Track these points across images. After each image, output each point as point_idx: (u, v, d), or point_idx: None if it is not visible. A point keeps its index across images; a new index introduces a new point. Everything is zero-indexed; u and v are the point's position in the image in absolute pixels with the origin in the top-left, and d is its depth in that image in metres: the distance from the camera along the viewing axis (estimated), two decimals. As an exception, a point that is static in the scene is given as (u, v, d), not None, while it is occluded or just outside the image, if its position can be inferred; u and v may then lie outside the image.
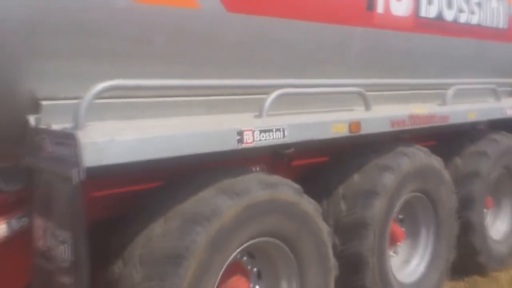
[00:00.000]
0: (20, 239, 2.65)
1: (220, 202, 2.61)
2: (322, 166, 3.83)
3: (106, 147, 2.23)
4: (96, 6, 2.45)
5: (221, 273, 2.70)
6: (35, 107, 2.45)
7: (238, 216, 2.68)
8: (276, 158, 3.37)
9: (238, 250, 2.81)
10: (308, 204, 3.09)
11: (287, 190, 2.98)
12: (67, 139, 2.21)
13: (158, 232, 2.53)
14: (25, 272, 2.68)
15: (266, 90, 3.10)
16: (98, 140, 2.21)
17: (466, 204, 4.43)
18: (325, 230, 3.18)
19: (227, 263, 2.74)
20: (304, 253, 3.09)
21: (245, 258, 3.08)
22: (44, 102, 2.44)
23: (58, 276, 2.34)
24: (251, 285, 3.08)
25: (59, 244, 2.32)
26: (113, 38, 2.54)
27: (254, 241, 2.88)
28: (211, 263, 2.60)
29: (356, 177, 3.59)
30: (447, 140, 4.70)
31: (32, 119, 2.45)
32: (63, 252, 2.30)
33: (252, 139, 2.80)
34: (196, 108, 2.92)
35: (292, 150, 3.23)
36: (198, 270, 2.51)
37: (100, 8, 2.46)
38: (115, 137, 2.27)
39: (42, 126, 2.42)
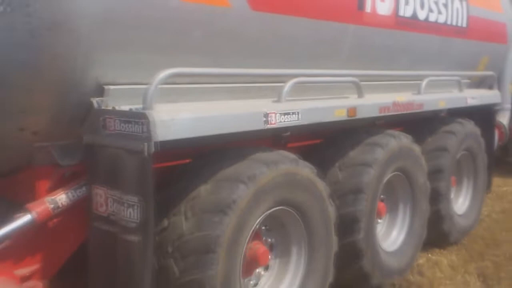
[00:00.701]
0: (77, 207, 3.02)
1: (258, 168, 3.07)
2: (313, 148, 4.32)
3: (171, 125, 2.64)
4: (152, 4, 2.84)
5: (250, 233, 3.16)
6: (99, 91, 2.82)
7: (269, 183, 3.14)
8: (275, 141, 3.83)
9: (263, 216, 3.26)
10: (318, 180, 3.58)
11: (304, 167, 3.46)
12: (138, 118, 2.61)
13: (208, 189, 2.96)
14: (79, 235, 3.07)
15: (280, 79, 3.57)
16: (164, 118, 2.62)
17: (435, 176, 5.02)
18: (324, 190, 3.65)
19: (254, 226, 3.19)
20: (310, 217, 3.57)
21: (263, 227, 3.53)
22: (107, 87, 2.81)
23: (124, 236, 2.73)
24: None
25: (126, 208, 2.71)
26: (164, 32, 2.94)
27: (273, 209, 3.34)
28: (247, 220, 3.05)
29: (351, 153, 4.11)
30: (412, 126, 5.23)
31: (95, 102, 2.82)
32: (131, 214, 2.69)
33: (275, 121, 3.27)
34: (224, 93, 3.35)
35: (288, 133, 3.70)
36: (237, 225, 2.95)
37: (155, 6, 2.85)
38: (176, 116, 2.68)
39: (107, 107, 2.80)
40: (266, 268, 3.61)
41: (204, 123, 2.84)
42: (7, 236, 2.78)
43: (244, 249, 3.12)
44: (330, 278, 3.76)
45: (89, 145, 2.89)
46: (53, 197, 2.94)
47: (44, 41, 2.54)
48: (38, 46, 2.54)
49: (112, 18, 2.71)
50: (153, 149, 2.57)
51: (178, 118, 2.70)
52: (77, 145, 2.99)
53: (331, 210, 3.67)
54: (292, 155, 3.45)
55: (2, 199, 3.31)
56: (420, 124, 5.33)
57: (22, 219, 2.83)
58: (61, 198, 2.97)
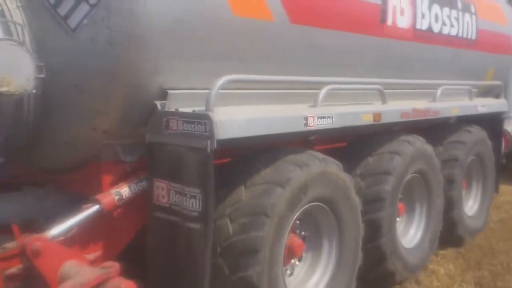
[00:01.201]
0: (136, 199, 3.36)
1: (293, 172, 3.41)
2: (335, 150, 4.65)
3: (228, 125, 2.99)
4: (208, 19, 3.20)
5: (289, 229, 3.49)
6: (162, 95, 3.17)
7: (303, 183, 3.48)
8: (303, 143, 4.17)
9: (299, 212, 3.59)
10: (345, 175, 3.93)
11: (333, 164, 3.81)
12: (201, 118, 2.96)
13: (249, 192, 3.30)
14: (137, 224, 3.41)
15: (313, 86, 3.93)
16: (223, 119, 2.97)
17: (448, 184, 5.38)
18: (356, 197, 4.02)
19: (292, 221, 3.53)
20: (342, 215, 3.92)
21: (297, 221, 3.87)
22: (170, 91, 3.17)
23: (186, 223, 3.06)
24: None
25: (188, 199, 3.05)
26: (218, 43, 3.30)
27: (309, 205, 3.68)
28: (286, 217, 3.39)
29: (370, 159, 4.46)
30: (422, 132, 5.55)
31: (159, 105, 3.17)
32: (193, 204, 3.03)
33: (313, 124, 3.62)
34: (266, 99, 3.70)
35: (314, 137, 4.04)
36: (278, 224, 3.29)
37: (211, 20, 3.21)
38: (233, 117, 3.04)
39: (170, 109, 3.15)
40: (300, 259, 3.94)
41: (255, 124, 3.20)
42: (78, 224, 3.12)
43: (284, 244, 3.45)
44: (359, 262, 4.09)
45: (151, 143, 3.23)
46: (118, 190, 3.28)
47: (121, 51, 2.89)
48: (115, 56, 2.90)
49: (176, 32, 3.06)
50: (215, 146, 2.92)
51: (234, 119, 3.05)
52: (137, 144, 3.33)
53: (357, 200, 3.99)
54: (321, 155, 3.78)
55: (62, 193, 3.68)
56: (433, 130, 5.68)
57: (92, 209, 3.17)
58: (125, 190, 3.31)
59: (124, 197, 3.29)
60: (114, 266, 2.87)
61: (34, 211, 3.58)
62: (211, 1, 3.19)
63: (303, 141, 4.09)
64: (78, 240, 3.18)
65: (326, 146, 4.46)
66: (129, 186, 3.33)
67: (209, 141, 2.92)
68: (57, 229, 3.04)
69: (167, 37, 3.03)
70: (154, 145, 3.23)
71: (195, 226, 3.03)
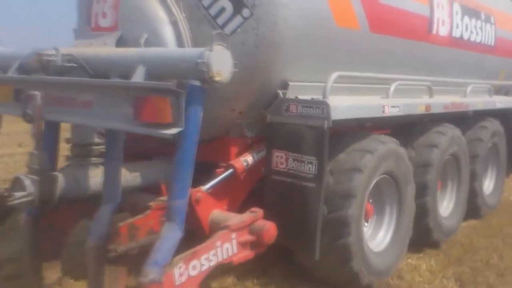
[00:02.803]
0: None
1: (365, 159, 4.41)
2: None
3: (337, 110, 3.99)
4: (320, 29, 4.21)
5: (370, 189, 4.52)
6: (283, 86, 4.18)
7: (382, 155, 4.51)
8: (360, 129, 5.18)
9: (375, 179, 4.62)
10: (401, 149, 4.94)
11: (394, 143, 4.83)
12: (319, 104, 3.96)
13: (347, 155, 4.32)
14: (251, 184, 4.39)
15: (382, 81, 4.95)
16: (334, 105, 3.97)
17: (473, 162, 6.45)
18: (409, 163, 5.02)
19: (372, 184, 4.55)
20: (402, 192, 4.94)
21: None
22: (291, 83, 4.17)
23: (303, 183, 4.06)
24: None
25: (306, 164, 4.04)
26: (326, 47, 4.32)
27: (379, 177, 4.69)
28: (371, 178, 4.42)
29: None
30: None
31: (281, 93, 4.18)
32: (310, 168, 4.03)
33: (388, 111, 4.65)
34: (348, 91, 4.70)
35: (369, 124, 5.05)
36: (366, 180, 4.33)
37: (322, 30, 4.22)
38: (339, 104, 4.05)
39: (290, 97, 4.15)
40: (366, 221, 4.95)
41: (352, 109, 4.23)
42: (218, 184, 4.11)
43: (366, 200, 4.47)
44: (410, 234, 5.11)
45: (272, 122, 4.22)
46: (245, 158, 4.29)
47: (263, 52, 3.89)
48: (258, 55, 3.89)
49: (300, 39, 4.08)
50: (330, 125, 3.93)
51: (340, 105, 4.06)
52: (256, 122, 4.32)
53: (410, 165, 4.99)
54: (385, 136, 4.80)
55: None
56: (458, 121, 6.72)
57: (228, 171, 4.17)
58: (249, 158, 4.32)
59: (249, 163, 4.30)
60: (259, 211, 3.88)
61: (162, 174, 4.54)
62: (322, 16, 4.21)
63: (358, 127, 5.11)
64: (217, 194, 4.16)
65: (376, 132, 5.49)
66: (252, 155, 4.34)
67: (326, 121, 3.93)
68: (207, 186, 4.03)
69: (294, 43, 4.04)
70: (274, 124, 4.22)
71: (311, 185, 4.03)
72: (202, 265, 3.43)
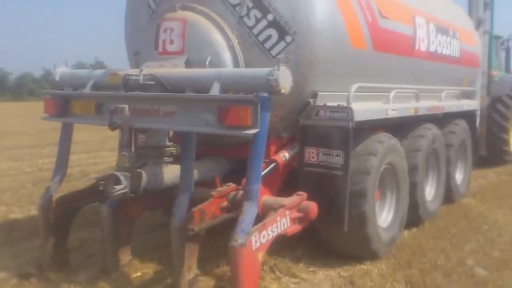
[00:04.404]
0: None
1: (376, 146, 5.57)
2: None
3: (358, 113, 5.10)
4: (340, 51, 5.32)
5: (380, 172, 5.64)
6: (313, 95, 5.26)
7: (383, 153, 5.65)
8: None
9: (382, 167, 5.75)
10: (401, 147, 6.12)
11: (393, 139, 5.99)
12: (344, 109, 5.06)
13: (364, 145, 5.43)
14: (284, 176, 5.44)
15: (384, 90, 6.11)
16: (356, 109, 5.08)
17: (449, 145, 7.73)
18: (405, 161, 6.21)
19: (381, 169, 5.68)
20: (399, 175, 6.12)
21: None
22: (319, 93, 5.27)
23: (332, 172, 5.14)
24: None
25: (334, 157, 5.12)
26: (343, 65, 5.43)
27: (385, 166, 5.84)
28: (381, 162, 5.55)
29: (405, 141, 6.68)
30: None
31: (311, 101, 5.26)
32: (337, 160, 5.11)
33: (389, 114, 5.81)
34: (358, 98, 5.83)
35: (366, 126, 6.22)
36: (379, 163, 5.45)
37: (341, 52, 5.34)
38: (359, 108, 5.16)
39: (319, 104, 5.24)
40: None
41: (367, 113, 5.36)
42: (265, 175, 5.13)
43: (378, 179, 5.58)
44: (405, 219, 6.27)
45: (304, 125, 5.29)
46: (283, 154, 5.34)
47: (301, 69, 4.96)
48: (298, 72, 4.93)
49: (327, 59, 5.17)
50: (354, 125, 5.04)
51: (360, 109, 5.17)
52: (290, 125, 5.38)
53: (406, 163, 6.18)
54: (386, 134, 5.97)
55: (230, 160, 5.67)
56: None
57: (271, 165, 5.21)
58: (286, 154, 5.38)
59: (286, 158, 5.36)
60: (304, 194, 4.93)
61: (216, 170, 5.55)
62: (343, 40, 5.33)
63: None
64: (264, 184, 5.15)
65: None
66: (288, 152, 5.39)
67: (350, 122, 5.03)
68: (258, 176, 5.06)
69: (324, 62, 5.14)
70: (306, 126, 5.29)
71: (339, 173, 5.12)
72: (268, 235, 4.44)
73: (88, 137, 18.86)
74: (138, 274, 5.23)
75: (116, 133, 5.02)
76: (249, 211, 4.26)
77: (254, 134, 4.15)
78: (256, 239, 4.27)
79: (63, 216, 5.45)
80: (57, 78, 5.61)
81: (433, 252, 5.85)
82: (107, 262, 5.27)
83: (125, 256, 5.36)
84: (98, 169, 11.45)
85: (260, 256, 4.32)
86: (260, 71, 4.31)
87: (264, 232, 4.39)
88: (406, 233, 6.42)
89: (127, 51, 6.11)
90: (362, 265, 5.45)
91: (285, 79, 4.23)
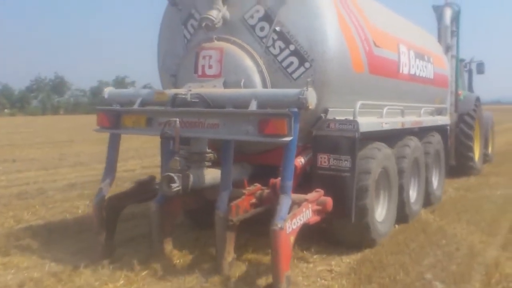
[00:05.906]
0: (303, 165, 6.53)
1: (375, 152, 6.75)
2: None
3: (362, 125, 6.27)
4: (344, 75, 6.51)
5: (378, 175, 6.81)
6: (324, 111, 6.41)
7: (380, 158, 6.83)
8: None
9: (379, 170, 6.93)
10: (392, 155, 7.33)
11: (388, 148, 7.19)
12: (351, 122, 6.22)
13: (363, 152, 6.60)
14: (300, 176, 6.55)
15: (379, 107, 7.31)
16: (360, 122, 6.25)
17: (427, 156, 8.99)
18: (395, 166, 7.41)
19: (378, 173, 6.85)
20: (391, 177, 7.31)
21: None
22: (330, 109, 6.42)
23: (341, 174, 6.26)
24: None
25: (343, 161, 6.26)
26: (347, 87, 6.60)
27: (379, 170, 7.02)
28: (378, 166, 6.73)
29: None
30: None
31: (323, 116, 6.40)
32: (346, 164, 6.24)
33: (384, 126, 7.00)
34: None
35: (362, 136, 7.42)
36: (377, 166, 6.63)
37: (344, 76, 6.52)
38: (362, 122, 6.33)
39: (329, 118, 6.38)
40: (368, 202, 7.24)
41: (368, 125, 6.52)
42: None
43: (376, 178, 6.75)
44: (395, 216, 7.46)
45: (316, 135, 6.41)
46: (299, 159, 6.46)
47: (316, 90, 6.06)
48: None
49: (337, 80, 6.34)
50: (359, 135, 6.20)
51: (362, 122, 6.34)
52: (304, 136, 6.49)
53: (396, 168, 7.39)
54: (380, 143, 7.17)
55: (253, 165, 6.75)
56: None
57: (291, 168, 6.32)
58: (302, 160, 6.49)
59: (302, 162, 6.47)
60: (321, 191, 6.05)
61: (243, 173, 6.63)
62: (348, 66, 6.51)
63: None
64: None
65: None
66: (304, 157, 6.51)
67: (356, 133, 6.19)
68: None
69: (334, 83, 6.30)
70: (318, 136, 6.42)
71: (347, 174, 6.25)
72: (297, 222, 5.52)
73: (45, 154, 18.63)
74: (179, 261, 6.19)
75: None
76: (285, 202, 5.34)
77: (289, 141, 5.24)
78: (289, 225, 5.33)
79: (113, 213, 6.42)
80: (106, 96, 6.61)
81: (392, 267, 5.97)
82: (154, 250, 6.23)
83: (168, 246, 6.33)
84: (56, 187, 11.75)
85: (292, 239, 5.38)
86: (291, 91, 5.44)
87: (294, 220, 5.46)
88: (366, 249, 6.67)
89: (161, 73, 7.15)
90: (323, 281, 5.65)
91: (312, 98, 5.37)
